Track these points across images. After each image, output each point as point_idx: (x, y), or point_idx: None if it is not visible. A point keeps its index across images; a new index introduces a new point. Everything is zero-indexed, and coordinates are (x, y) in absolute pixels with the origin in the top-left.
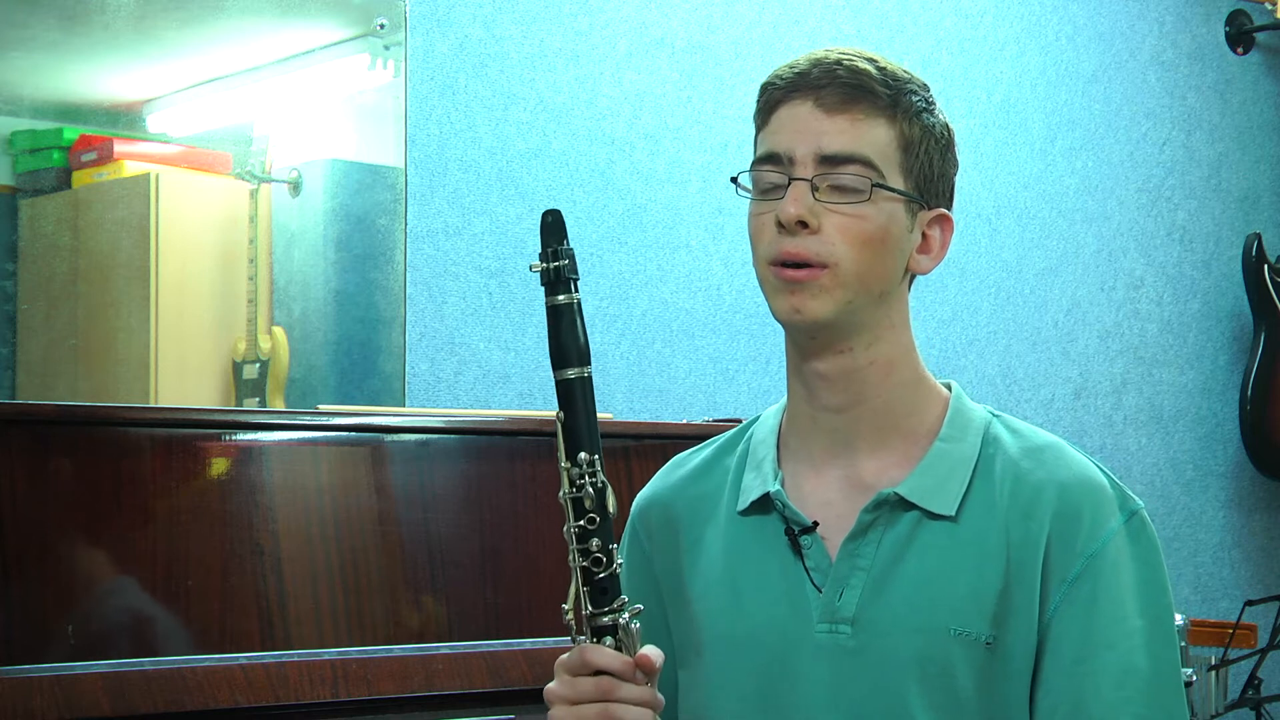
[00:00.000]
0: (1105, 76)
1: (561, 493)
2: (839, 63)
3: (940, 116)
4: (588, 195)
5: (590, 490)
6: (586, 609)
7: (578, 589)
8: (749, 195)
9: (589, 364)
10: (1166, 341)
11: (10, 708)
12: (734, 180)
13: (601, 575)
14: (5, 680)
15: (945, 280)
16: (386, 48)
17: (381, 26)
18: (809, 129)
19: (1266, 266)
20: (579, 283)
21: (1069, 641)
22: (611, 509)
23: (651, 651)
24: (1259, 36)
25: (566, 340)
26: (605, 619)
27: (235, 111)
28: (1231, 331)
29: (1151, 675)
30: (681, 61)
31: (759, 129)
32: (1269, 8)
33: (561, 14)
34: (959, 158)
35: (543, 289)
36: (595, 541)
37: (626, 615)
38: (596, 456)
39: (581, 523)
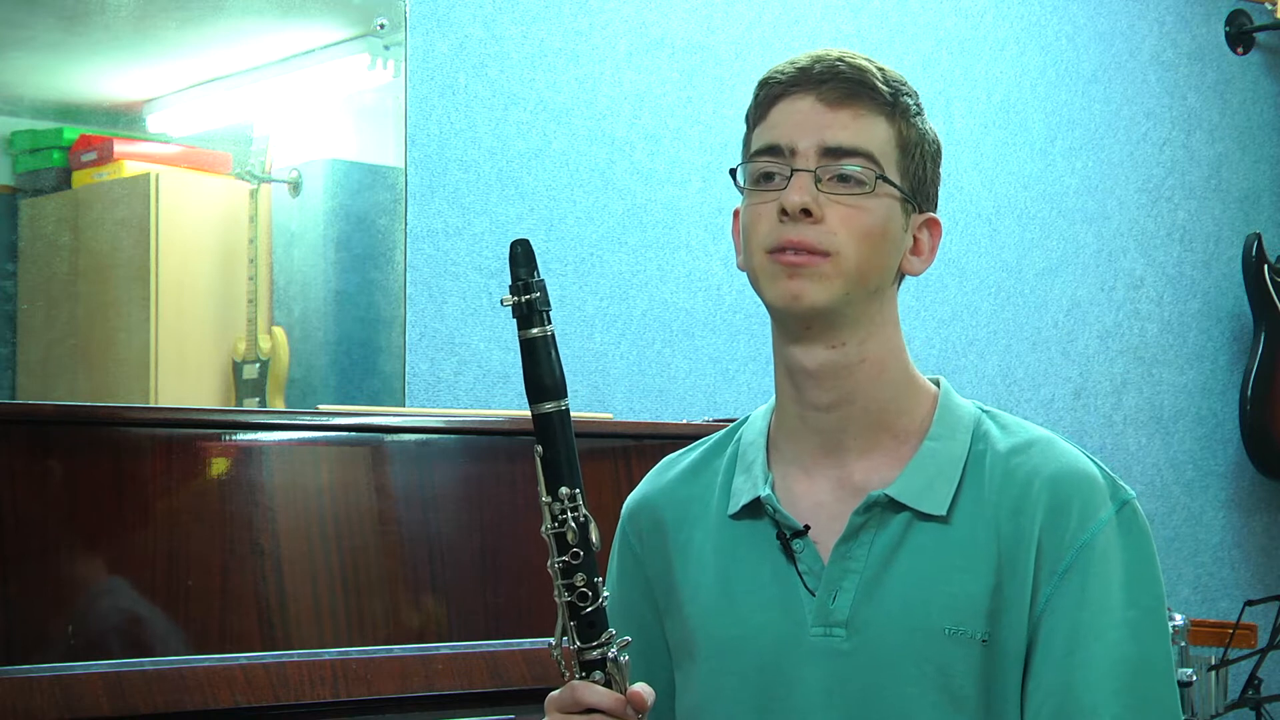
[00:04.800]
0: (1105, 76)
1: (544, 528)
2: (841, 59)
3: (931, 127)
4: (588, 195)
5: (573, 525)
6: (574, 644)
7: (564, 625)
8: (746, 188)
9: (565, 396)
10: (1166, 341)
11: (10, 708)
12: (732, 173)
13: (588, 610)
14: (5, 680)
15: (945, 280)
16: (386, 48)
17: (381, 26)
18: (811, 122)
19: (1266, 266)
20: (551, 313)
21: (1059, 633)
22: (595, 543)
23: (643, 689)
24: (1259, 36)
25: (543, 374)
26: (594, 654)
27: (235, 111)
28: (1231, 331)
29: (1141, 665)
30: (681, 61)
31: (754, 124)
32: (1269, 8)
33: (561, 14)
34: (952, 162)
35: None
36: (580, 576)
37: (615, 649)
38: (578, 490)
39: (565, 558)
